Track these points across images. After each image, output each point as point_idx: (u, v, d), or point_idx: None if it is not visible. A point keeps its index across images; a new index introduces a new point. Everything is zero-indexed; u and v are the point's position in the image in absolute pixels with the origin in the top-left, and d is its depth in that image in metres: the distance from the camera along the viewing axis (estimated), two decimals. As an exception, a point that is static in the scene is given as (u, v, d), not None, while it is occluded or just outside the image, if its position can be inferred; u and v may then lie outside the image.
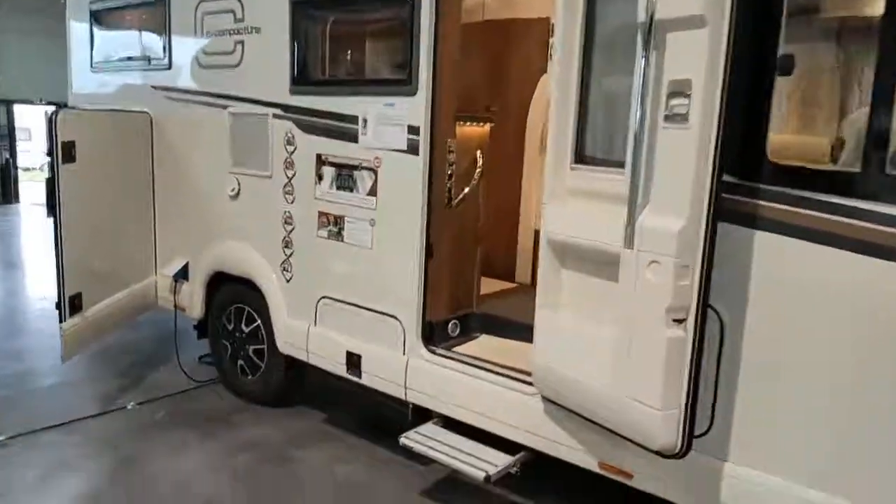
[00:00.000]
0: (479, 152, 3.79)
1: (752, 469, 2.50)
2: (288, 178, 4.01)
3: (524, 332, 3.72)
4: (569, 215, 2.74)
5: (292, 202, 4.02)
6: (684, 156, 2.26)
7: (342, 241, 3.78)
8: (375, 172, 3.56)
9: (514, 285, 4.59)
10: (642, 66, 2.31)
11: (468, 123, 3.73)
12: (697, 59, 2.20)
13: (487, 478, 3.01)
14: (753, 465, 2.50)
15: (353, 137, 3.63)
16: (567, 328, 2.79)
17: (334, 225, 3.81)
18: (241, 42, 4.15)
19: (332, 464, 3.76)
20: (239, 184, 4.31)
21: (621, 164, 2.53)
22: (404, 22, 3.32)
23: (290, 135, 3.96)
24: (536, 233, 4.56)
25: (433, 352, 3.50)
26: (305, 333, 4.02)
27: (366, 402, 3.89)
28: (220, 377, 4.78)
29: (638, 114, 2.34)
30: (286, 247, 4.10)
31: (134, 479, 3.55)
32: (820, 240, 2.28)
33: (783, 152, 2.43)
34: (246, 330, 4.50)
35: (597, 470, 2.92)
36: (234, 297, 4.54)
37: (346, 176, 3.71)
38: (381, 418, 4.07)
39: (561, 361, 2.80)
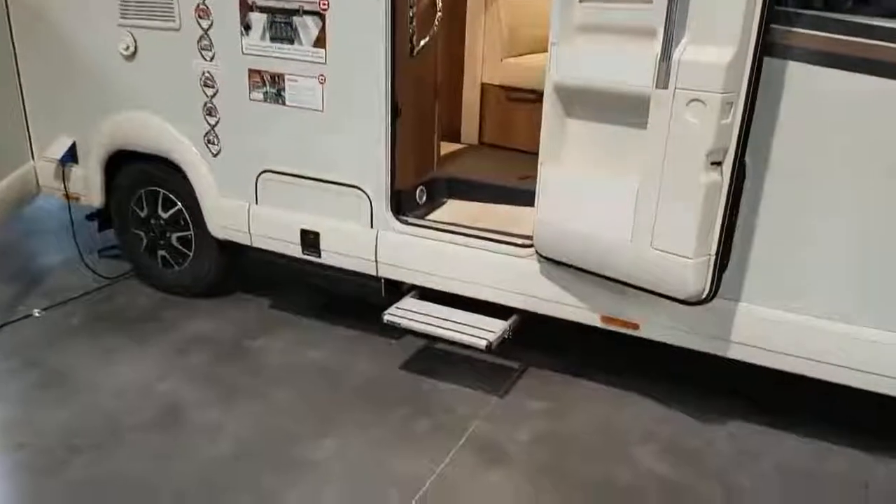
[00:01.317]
0: (436, -9, 3.30)
1: (767, 307, 2.54)
2: (203, 29, 3.32)
3: (490, 192, 3.54)
4: (581, 56, 2.45)
5: (212, 59, 3.36)
6: (737, -25, 2.01)
7: (284, 104, 3.24)
8: (322, 17, 3.01)
9: (462, 146, 4.29)
10: None
11: (424, -46, 3.20)
12: None
13: (489, 346, 2.88)
14: (768, 303, 2.53)
15: (288, -27, 3.01)
16: (576, 182, 2.59)
17: (272, 85, 3.24)
18: None
19: (297, 349, 3.47)
20: (135, 40, 3.53)
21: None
22: None
23: (199, -28, 3.23)
24: (483, 87, 4.27)
25: (405, 222, 3.20)
26: (245, 213, 3.53)
27: (311, 283, 3.56)
28: (135, 271, 4.21)
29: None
30: (209, 114, 3.48)
31: (72, 396, 3.07)
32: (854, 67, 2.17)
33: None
34: (164, 216, 3.90)
35: (599, 324, 2.87)
36: (144, 178, 3.88)
37: (282, 24, 3.11)
38: (332, 297, 3.79)
39: (569, 217, 2.62)
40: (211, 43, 3.33)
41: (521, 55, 4.30)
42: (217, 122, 3.47)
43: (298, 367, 3.32)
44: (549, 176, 2.64)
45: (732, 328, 2.60)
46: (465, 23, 4.16)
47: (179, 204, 3.83)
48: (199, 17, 3.30)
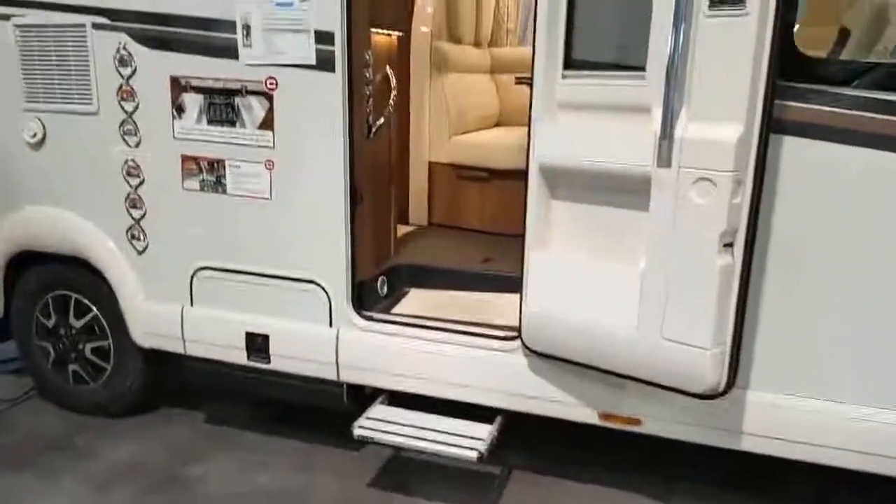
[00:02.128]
0: (388, 69, 3.10)
1: (779, 393, 2.35)
2: (126, 112, 2.94)
3: (455, 279, 3.28)
4: (567, 134, 2.26)
5: (137, 145, 2.97)
6: (740, 50, 1.90)
7: (224, 192, 2.87)
8: (269, 98, 2.71)
9: (411, 227, 4.02)
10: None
11: (378, 32, 3.00)
12: (759, -74, 1.81)
13: (481, 457, 2.53)
14: (780, 388, 2.35)
15: (229, 51, 2.71)
16: (569, 268, 2.36)
17: (210, 172, 2.88)
18: (23, -83, 2.88)
19: (243, 474, 2.97)
20: (43, 126, 3.09)
21: (632, 68, 2.12)
22: None
23: (123, 52, 2.87)
24: (431, 166, 4.07)
25: (370, 318, 2.85)
26: (178, 317, 3.07)
27: (255, 390, 3.11)
28: (40, 390, 3.58)
29: (675, 1, 1.91)
30: (133, 207, 3.05)
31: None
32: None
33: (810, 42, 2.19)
34: (77, 324, 3.36)
35: (597, 422, 2.59)
36: (52, 282, 3.35)
37: (222, 105, 2.79)
38: (280, 406, 3.34)
39: (563, 307, 2.37)
40: (136, 127, 2.94)
41: (468, 132, 4.16)
42: (143, 216, 3.04)
43: (247, 497, 2.82)
44: (538, 262, 2.40)
45: (744, 419, 2.39)
46: (409, 100, 3.97)
47: (95, 310, 3.31)
48: (123, 99, 2.92)
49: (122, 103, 2.93)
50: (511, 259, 3.42)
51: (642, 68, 2.10)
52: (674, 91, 1.96)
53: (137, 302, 3.13)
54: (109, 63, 2.90)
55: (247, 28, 2.66)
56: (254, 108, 2.74)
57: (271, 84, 2.69)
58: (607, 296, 2.25)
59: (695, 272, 2.06)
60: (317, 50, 2.59)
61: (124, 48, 2.86)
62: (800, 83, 2.07)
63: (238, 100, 2.75)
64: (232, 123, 2.79)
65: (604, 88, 2.19)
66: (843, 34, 2.28)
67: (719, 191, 1.97)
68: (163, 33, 2.79)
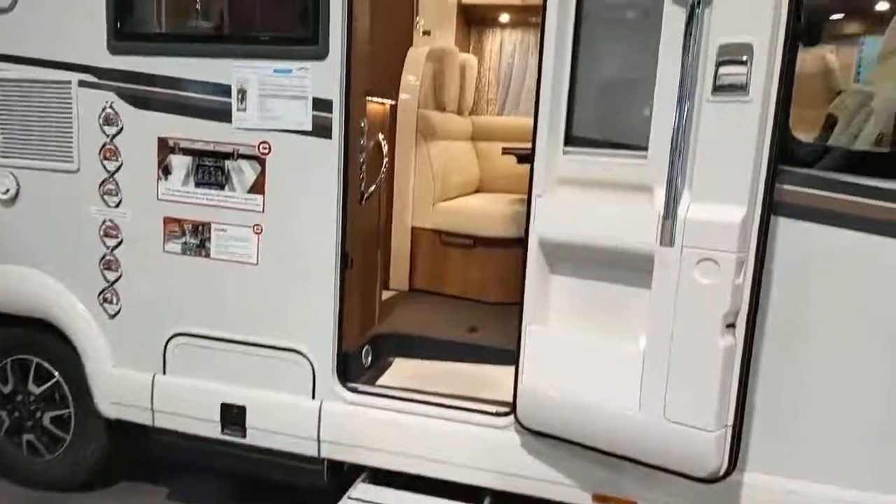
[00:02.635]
0: (380, 136, 3.09)
1: (775, 476, 2.31)
2: (108, 172, 2.85)
3: (441, 349, 3.20)
4: (568, 210, 2.26)
5: (117, 206, 2.86)
6: (743, 133, 1.94)
7: (207, 256, 2.78)
8: (262, 162, 2.66)
9: (392, 293, 3.95)
10: (684, 27, 1.93)
11: (371, 100, 3.00)
12: (761, 19, 1.88)
13: (471, 542, 2.41)
14: (776, 471, 2.31)
15: (221, 115, 2.67)
16: (568, 344, 2.31)
17: (193, 235, 2.78)
18: (14, -26, 2.83)
19: (212, 558, 2.77)
20: (17, 182, 2.97)
21: (633, 146, 2.15)
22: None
23: (110, 110, 2.80)
24: (414, 232, 4.04)
25: (355, 390, 2.74)
26: (149, 386, 2.90)
27: (220, 465, 2.92)
28: (-11, 461, 3.32)
29: (679, 85, 1.96)
30: (108, 269, 2.91)
31: None
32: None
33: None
34: (36, 391, 3.15)
35: (591, 504, 2.50)
36: (12, 345, 3.15)
37: (211, 168, 2.72)
38: (248, 482, 3.15)
39: (560, 384, 2.31)
40: (117, 187, 2.85)
41: (451, 198, 4.16)
42: (118, 278, 2.91)
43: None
44: (536, 337, 2.35)
45: (740, 501, 2.33)
46: (393, 166, 3.97)
47: (57, 375, 3.11)
48: (106, 157, 2.84)
49: (105, 162, 2.84)
50: (498, 329, 3.39)
51: (643, 147, 2.12)
52: (677, 171, 1.98)
53: (105, 369, 2.96)
54: (94, 121, 2.82)
55: (242, 93, 2.62)
56: (245, 172, 2.68)
57: (264, 148, 2.64)
58: (607, 374, 2.21)
59: (698, 352, 2.04)
60: (314, 116, 2.56)
61: (111, 107, 2.80)
62: (794, 167, 2.12)
63: (228, 163, 2.69)
64: (220, 186, 2.72)
65: (605, 166, 2.21)
66: (830, 120, 2.37)
67: (723, 271, 1.97)
68: (153, 94, 2.73)
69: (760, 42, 1.88)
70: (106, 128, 2.82)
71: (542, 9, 2.25)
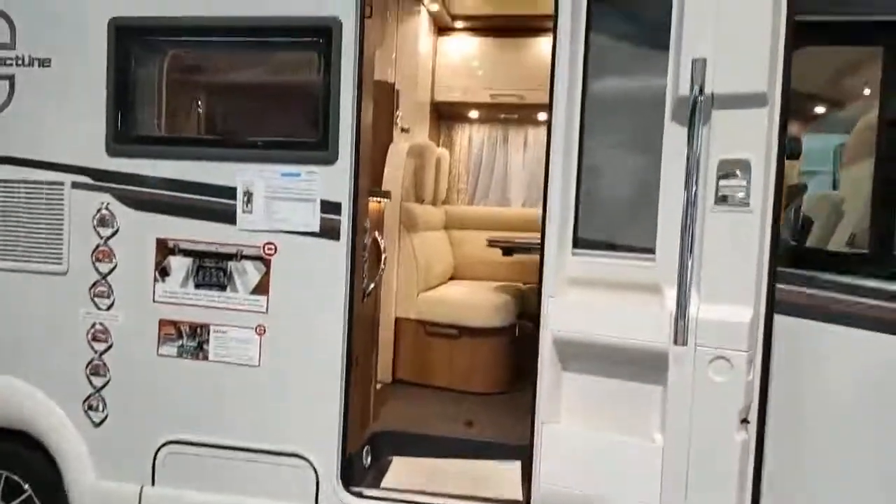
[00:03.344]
0: (377, 233, 3.14)
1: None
2: (101, 274, 2.77)
3: (439, 446, 3.17)
4: (579, 309, 2.35)
5: (109, 308, 2.77)
6: (746, 240, 2.10)
7: (205, 359, 2.70)
8: (266, 263, 2.66)
9: (377, 385, 3.89)
10: (687, 144, 2.10)
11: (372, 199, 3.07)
12: (757, 139, 2.07)
13: None
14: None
15: (225, 216, 2.67)
16: (584, 444, 2.34)
17: (191, 337, 2.71)
18: (10, 77, 2.81)
19: None
20: (-4, 284, 2.85)
21: (639, 249, 2.29)
22: (315, 63, 2.59)
23: (105, 212, 2.76)
24: (397, 322, 4.04)
25: (360, 494, 2.66)
26: (136, 499, 2.74)
27: None
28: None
29: (685, 197, 2.11)
30: (95, 374, 2.79)
31: None
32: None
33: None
34: (3, 509, 2.92)
35: None
36: (-23, 459, 2.93)
37: (213, 270, 2.70)
38: None
39: (579, 482, 2.33)
40: (110, 289, 2.77)
41: (433, 288, 4.21)
42: (105, 384, 2.78)
43: None
44: (552, 437, 2.37)
45: None
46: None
47: (29, 490, 2.89)
48: (98, 259, 2.77)
49: (98, 264, 2.77)
50: (492, 422, 3.39)
51: (649, 249, 2.25)
52: (687, 274, 2.10)
53: (87, 480, 2.78)
54: (87, 223, 2.77)
55: (248, 195, 2.65)
56: (248, 273, 2.66)
57: (270, 249, 2.65)
58: (625, 470, 2.25)
59: (715, 448, 2.11)
60: (322, 218, 2.60)
61: (106, 208, 2.76)
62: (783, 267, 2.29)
63: (231, 264, 2.68)
64: (222, 287, 2.69)
65: (613, 267, 2.32)
66: (808, 223, 2.58)
67: (735, 369, 2.08)
68: (153, 196, 2.72)
69: (757, 158, 2.07)
70: (100, 229, 2.77)
71: (549, 116, 2.40)
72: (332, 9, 2.53)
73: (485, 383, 3.90)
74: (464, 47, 4.96)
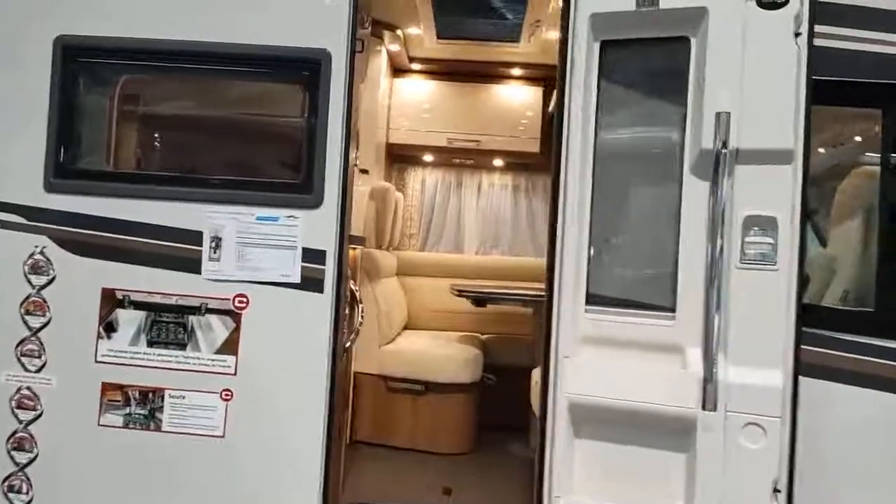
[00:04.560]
0: (352, 283, 2.88)
1: None
2: (31, 329, 2.35)
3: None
4: (595, 371, 2.18)
5: (39, 370, 2.35)
6: (774, 299, 2.01)
7: (158, 429, 2.33)
8: (236, 318, 2.34)
9: (336, 450, 3.55)
10: (711, 198, 2.02)
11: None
12: (784, 196, 2.01)
13: None
14: None
15: (188, 264, 2.34)
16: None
17: (140, 404, 2.34)
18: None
19: None
20: None
21: (657, 307, 2.17)
22: (300, 97, 2.34)
23: (39, 257, 2.36)
24: (356, 378, 3.75)
25: (340, 583, 2.34)
26: None
27: None
28: None
29: (709, 252, 2.01)
30: (18, 449, 2.34)
31: None
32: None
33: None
34: None
35: None
36: None
37: (170, 325, 2.35)
38: None
39: (594, 564, 2.13)
40: (41, 348, 2.35)
41: (394, 339, 3.95)
42: (31, 460, 2.34)
43: None
44: (568, 513, 2.17)
45: None
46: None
47: None
48: (28, 312, 2.35)
49: (27, 318, 2.36)
50: (471, 487, 3.15)
51: (665, 307, 2.14)
52: (713, 335, 1.99)
53: (-1, 582, 2.30)
54: (16, 269, 2.36)
55: (216, 240, 2.34)
56: (214, 329, 2.33)
57: (240, 302, 2.33)
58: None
59: (748, 518, 1.97)
60: (303, 268, 2.32)
61: (41, 253, 2.36)
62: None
63: (193, 318, 2.34)
64: (181, 346, 2.34)
65: (629, 326, 2.18)
66: (805, 280, 2.56)
67: (769, 436, 1.97)
68: (100, 239, 2.36)
69: (783, 216, 2.00)
70: (32, 277, 2.36)
71: (555, 168, 2.27)
72: (321, 41, 2.32)
73: (451, 443, 3.65)
74: (420, 89, 4.84)
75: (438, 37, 4.15)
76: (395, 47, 4.33)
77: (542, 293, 3.79)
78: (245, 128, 2.58)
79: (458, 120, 4.77)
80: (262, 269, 2.33)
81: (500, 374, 3.99)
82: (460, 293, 3.69)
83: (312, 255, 2.33)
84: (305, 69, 2.33)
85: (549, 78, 4.68)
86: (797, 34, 2.00)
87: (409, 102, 4.84)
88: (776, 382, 1.98)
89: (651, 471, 2.14)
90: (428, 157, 4.99)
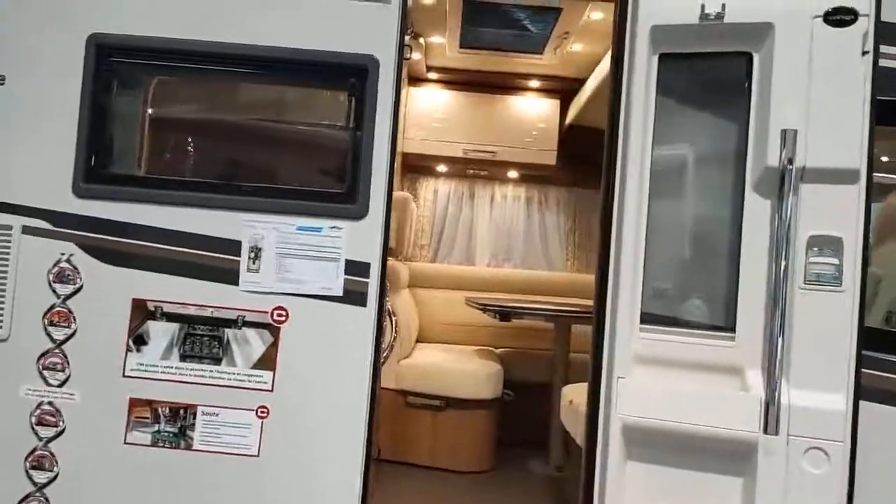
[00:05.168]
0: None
1: None
2: (54, 341, 2.23)
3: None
4: (650, 393, 2.11)
5: (61, 384, 2.23)
6: (838, 322, 1.96)
7: (188, 448, 2.22)
8: (275, 332, 2.24)
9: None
10: (776, 217, 1.98)
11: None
12: (849, 216, 1.97)
13: None
14: None
15: (225, 275, 2.24)
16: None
17: (171, 421, 2.22)
18: (-52, 93, 2.27)
19: None
20: None
21: (712, 327, 2.12)
22: (345, 104, 2.26)
23: (66, 265, 2.25)
24: (375, 393, 3.64)
25: None
26: None
27: None
28: None
29: (773, 272, 1.97)
30: (37, 468, 2.21)
31: None
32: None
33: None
34: None
35: None
36: None
37: (205, 338, 2.24)
38: None
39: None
40: (65, 360, 2.23)
41: (411, 353, 3.86)
42: (51, 480, 2.21)
43: None
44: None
45: None
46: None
47: None
48: (52, 323, 2.23)
49: (50, 329, 2.24)
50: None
51: (721, 327, 2.09)
52: (776, 357, 1.94)
53: None
54: (40, 277, 2.24)
55: (255, 251, 2.24)
56: (251, 343, 2.23)
57: (280, 315, 2.24)
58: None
59: (812, 547, 1.92)
60: (346, 280, 2.24)
61: (67, 261, 2.25)
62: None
63: (230, 332, 2.24)
64: (216, 360, 2.23)
65: (685, 346, 2.12)
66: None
67: (833, 461, 1.91)
68: (131, 247, 2.25)
69: (849, 236, 1.96)
70: (58, 286, 2.25)
71: (608, 181, 2.22)
72: (369, 47, 2.24)
73: (471, 461, 3.56)
74: (436, 99, 4.77)
75: (461, 46, 4.09)
76: (415, 56, 4.27)
77: (564, 308, 3.78)
78: (285, 134, 2.49)
79: (474, 130, 4.71)
80: (302, 282, 2.23)
81: (516, 389, 3.92)
82: (485, 308, 3.61)
83: (356, 268, 2.24)
84: (352, 75, 2.25)
85: (567, 90, 4.70)
86: (864, 52, 1.97)
87: (424, 112, 4.77)
88: (839, 406, 1.93)
89: (705, 494, 2.08)
90: (442, 168, 4.92)
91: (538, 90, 4.75)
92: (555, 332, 3.82)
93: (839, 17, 1.97)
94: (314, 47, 2.24)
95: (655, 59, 2.17)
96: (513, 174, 4.99)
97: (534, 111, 4.79)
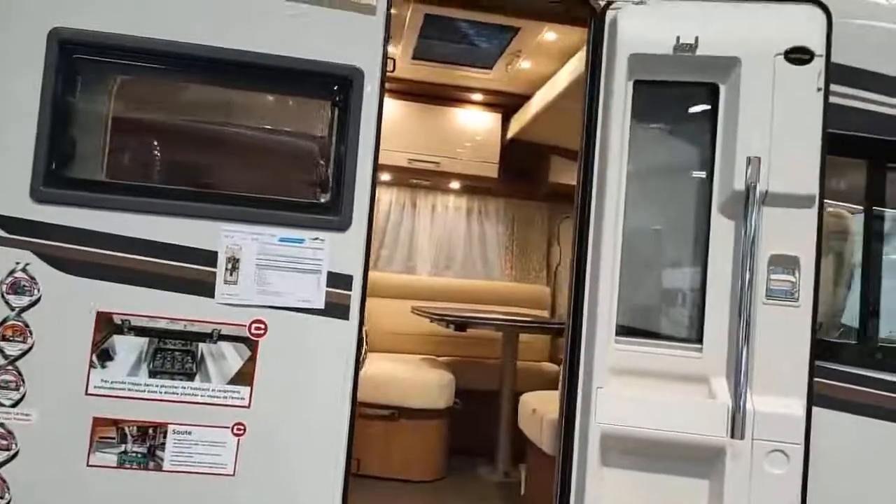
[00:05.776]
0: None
1: None
2: (6, 357, 2.06)
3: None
4: (626, 402, 2.22)
5: (14, 404, 2.06)
6: (796, 334, 2.15)
7: (158, 468, 2.11)
8: (253, 346, 2.17)
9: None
10: (742, 237, 2.14)
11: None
12: (807, 238, 2.16)
13: None
14: None
15: (199, 287, 2.15)
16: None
17: (139, 441, 2.11)
18: None
19: None
20: None
21: (680, 339, 2.26)
22: (327, 114, 2.24)
23: (21, 274, 2.08)
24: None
25: None
26: None
27: None
28: None
29: (739, 288, 2.13)
30: (-14, 495, 2.04)
31: None
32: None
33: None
34: None
35: None
36: None
37: (176, 353, 2.14)
38: None
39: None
40: (19, 378, 2.07)
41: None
42: (2, 508, 2.04)
43: None
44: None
45: None
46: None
47: None
48: (5, 338, 2.06)
49: (2, 344, 2.07)
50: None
51: (693, 340, 2.23)
52: (742, 367, 2.09)
53: None
54: (-8, 288, 2.07)
55: (232, 262, 2.17)
56: (227, 358, 2.16)
57: (258, 329, 2.17)
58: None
59: (774, 544, 2.08)
60: (327, 293, 2.20)
61: (23, 270, 2.09)
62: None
63: (203, 346, 2.15)
64: (188, 376, 2.14)
65: (656, 357, 2.25)
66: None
67: (792, 462, 2.09)
68: (96, 256, 2.12)
69: (806, 256, 2.15)
70: (11, 297, 2.08)
71: (581, 199, 2.32)
72: (354, 58, 2.23)
73: (424, 470, 3.58)
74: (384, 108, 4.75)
75: (413, 57, 4.11)
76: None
77: (518, 319, 3.88)
78: (264, 142, 2.42)
79: (419, 140, 4.74)
80: (282, 294, 2.18)
81: (463, 397, 3.96)
82: (441, 318, 3.64)
83: (338, 280, 2.22)
84: (336, 85, 2.23)
85: (510, 105, 4.82)
86: (819, 89, 2.17)
87: (369, 120, 4.74)
88: (798, 411, 2.11)
89: (675, 497, 2.21)
90: (385, 176, 4.91)
91: (482, 104, 4.85)
92: (503, 341, 3.90)
93: (798, 56, 2.17)
94: (297, 55, 2.20)
95: (631, 85, 2.29)
96: (455, 185, 5.05)
97: (477, 124, 4.88)
